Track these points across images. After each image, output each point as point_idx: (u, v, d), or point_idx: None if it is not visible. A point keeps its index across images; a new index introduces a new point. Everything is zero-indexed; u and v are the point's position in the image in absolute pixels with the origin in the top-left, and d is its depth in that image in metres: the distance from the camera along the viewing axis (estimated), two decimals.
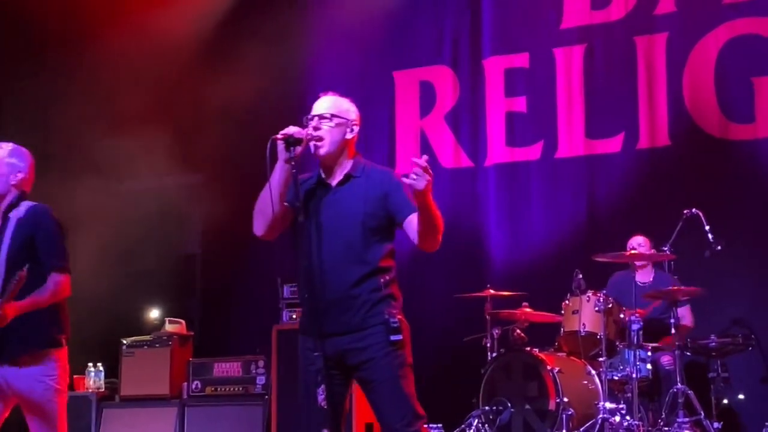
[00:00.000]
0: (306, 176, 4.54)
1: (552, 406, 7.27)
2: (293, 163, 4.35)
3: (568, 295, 7.67)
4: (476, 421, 7.48)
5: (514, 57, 9.25)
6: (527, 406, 7.41)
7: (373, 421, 8.07)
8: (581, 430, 7.25)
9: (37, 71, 9.71)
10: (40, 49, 9.62)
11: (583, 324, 7.51)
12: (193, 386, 8.68)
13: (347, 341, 4.39)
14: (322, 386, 4.26)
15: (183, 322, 9.18)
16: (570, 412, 7.23)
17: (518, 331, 7.84)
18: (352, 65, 9.69)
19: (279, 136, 4.38)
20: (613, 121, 8.88)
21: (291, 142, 4.36)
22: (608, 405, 7.25)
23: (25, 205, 5.18)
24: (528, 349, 7.59)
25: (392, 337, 4.36)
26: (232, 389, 8.61)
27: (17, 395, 5.08)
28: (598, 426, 7.19)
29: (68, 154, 9.29)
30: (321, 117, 4.49)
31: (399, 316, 4.41)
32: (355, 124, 4.54)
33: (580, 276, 7.55)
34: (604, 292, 7.58)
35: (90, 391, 8.92)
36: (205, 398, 8.64)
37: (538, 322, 7.95)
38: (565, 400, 7.25)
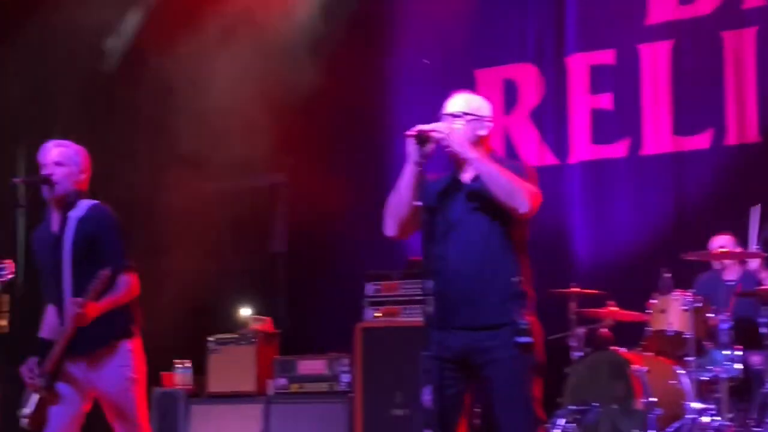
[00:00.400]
0: (440, 174, 4.59)
1: (639, 405, 7.19)
2: (423, 161, 4.38)
3: (655, 294, 7.58)
4: (562, 420, 7.43)
5: (599, 54, 9.17)
6: (614, 406, 7.34)
7: None
8: (669, 430, 7.17)
9: (126, 65, 9.85)
10: (128, 57, 9.77)
11: (671, 323, 7.40)
12: (279, 383, 8.75)
13: (474, 338, 4.39)
14: (429, 387, 4.25)
15: (268, 319, 9.25)
16: (658, 412, 7.14)
17: (604, 330, 7.77)
18: (434, 64, 9.69)
19: (411, 132, 4.41)
20: (700, 118, 8.75)
21: (422, 139, 4.38)
22: (697, 405, 7.14)
23: (83, 204, 5.25)
24: (614, 348, 7.53)
25: (519, 339, 4.33)
26: (316, 387, 8.65)
27: (95, 389, 5.17)
28: (686, 426, 7.11)
29: (156, 154, 9.41)
30: (453, 115, 4.55)
31: (529, 317, 4.37)
32: (489, 121, 4.59)
33: (668, 275, 7.46)
34: (693, 290, 7.48)
35: (178, 387, 9.04)
36: (290, 395, 8.70)
37: (624, 321, 7.86)
38: (653, 400, 7.17)
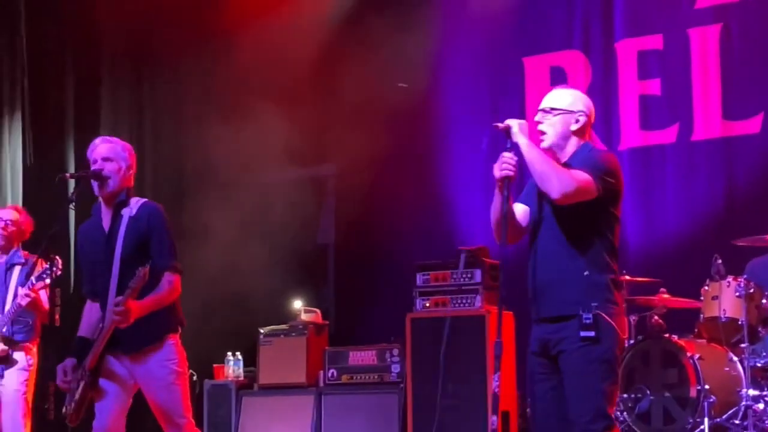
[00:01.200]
0: None
1: (693, 393, 7.15)
2: (504, 188, 4.54)
3: (708, 280, 7.50)
4: (615, 408, 7.38)
5: (647, 39, 9.07)
6: (667, 394, 7.30)
7: (510, 410, 8.05)
8: (723, 417, 7.12)
9: (175, 67, 9.91)
10: (177, 47, 9.82)
11: (724, 310, 7.34)
12: (329, 375, 8.76)
13: (548, 329, 4.55)
14: (497, 374, 4.43)
15: (318, 311, 9.28)
16: (711, 400, 7.09)
17: (656, 317, 7.71)
18: (482, 52, 9.66)
19: (500, 125, 4.62)
20: (751, 102, 8.63)
21: (506, 132, 4.60)
22: (751, 392, 7.09)
23: (135, 203, 5.27)
24: (667, 335, 7.47)
25: (582, 333, 4.43)
26: (367, 377, 8.66)
27: (140, 383, 5.21)
28: (741, 413, 7.06)
29: (204, 147, 9.46)
30: (543, 111, 4.72)
31: (597, 312, 4.44)
32: (582, 114, 4.71)
33: (720, 261, 7.39)
34: (745, 276, 7.40)
35: (229, 379, 9.09)
36: (341, 386, 8.72)
37: (676, 308, 7.80)
38: (707, 387, 7.11)
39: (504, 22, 9.48)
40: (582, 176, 4.47)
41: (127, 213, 5.21)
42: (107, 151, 5.27)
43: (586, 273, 4.49)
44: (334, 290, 10.33)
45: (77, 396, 5.16)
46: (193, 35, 9.65)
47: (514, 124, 4.57)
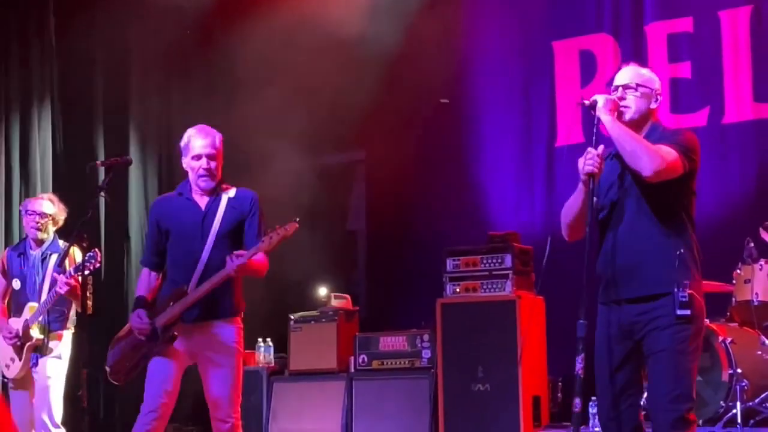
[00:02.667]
0: (609, 150, 4.68)
1: (725, 377, 7.12)
2: (591, 181, 4.53)
3: (740, 263, 7.47)
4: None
5: (677, 21, 9.01)
6: (699, 378, 7.23)
7: (541, 395, 8.04)
8: (756, 401, 7.09)
9: (203, 53, 9.93)
10: (206, 33, 9.84)
11: (756, 293, 7.30)
12: (360, 360, 8.79)
13: (637, 310, 4.48)
14: (582, 355, 4.36)
15: (348, 297, 9.30)
16: (744, 384, 7.06)
17: None
18: (511, 36, 9.63)
19: (585, 102, 4.64)
20: None
21: (594, 108, 4.59)
22: None
23: (230, 188, 5.57)
24: None
25: (679, 311, 4.38)
26: (398, 363, 8.67)
27: (204, 356, 5.42)
28: None
29: (233, 133, 9.47)
30: (626, 87, 4.66)
31: (690, 291, 4.42)
32: (660, 94, 4.70)
33: (752, 244, 7.35)
34: None
35: (261, 365, 9.13)
36: (372, 372, 8.74)
37: (708, 291, 7.70)
38: (739, 371, 7.08)
39: (533, 6, 9.48)
40: (670, 153, 4.46)
41: (225, 194, 5.51)
42: (210, 146, 5.52)
43: (680, 251, 4.47)
44: (365, 276, 10.35)
45: (133, 357, 5.38)
46: (222, 18, 9.68)
47: (600, 99, 4.56)
